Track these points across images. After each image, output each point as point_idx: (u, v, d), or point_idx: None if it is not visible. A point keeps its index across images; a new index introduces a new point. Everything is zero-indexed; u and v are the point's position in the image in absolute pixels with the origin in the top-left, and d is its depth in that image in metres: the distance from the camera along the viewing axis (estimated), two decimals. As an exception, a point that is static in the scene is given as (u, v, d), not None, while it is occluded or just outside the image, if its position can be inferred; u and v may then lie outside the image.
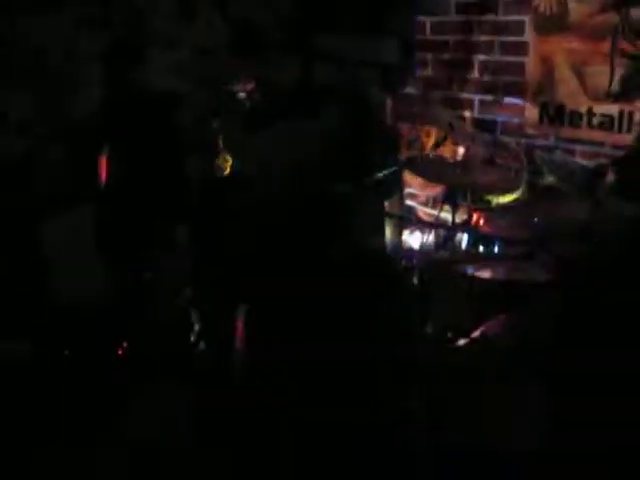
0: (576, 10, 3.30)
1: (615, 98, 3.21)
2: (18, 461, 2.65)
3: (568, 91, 3.38)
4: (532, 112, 3.51)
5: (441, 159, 3.57)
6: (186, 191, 3.51)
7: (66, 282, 3.36)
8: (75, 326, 3.25)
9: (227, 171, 3.46)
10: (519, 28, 3.51)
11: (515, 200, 3.31)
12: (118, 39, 3.51)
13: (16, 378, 2.97)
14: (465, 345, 2.91)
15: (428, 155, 3.64)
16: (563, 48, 3.39)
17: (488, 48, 3.65)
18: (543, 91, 3.47)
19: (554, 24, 3.38)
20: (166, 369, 3.04)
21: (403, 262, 3.38)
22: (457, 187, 3.36)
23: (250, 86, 3.63)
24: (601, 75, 3.24)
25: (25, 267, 3.34)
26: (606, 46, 3.19)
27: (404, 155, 3.85)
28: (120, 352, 3.17)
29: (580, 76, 3.33)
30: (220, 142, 3.47)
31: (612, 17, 3.15)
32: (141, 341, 3.16)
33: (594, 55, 3.26)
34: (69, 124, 3.46)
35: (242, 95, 3.66)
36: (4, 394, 2.89)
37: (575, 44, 3.34)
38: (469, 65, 3.71)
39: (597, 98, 3.28)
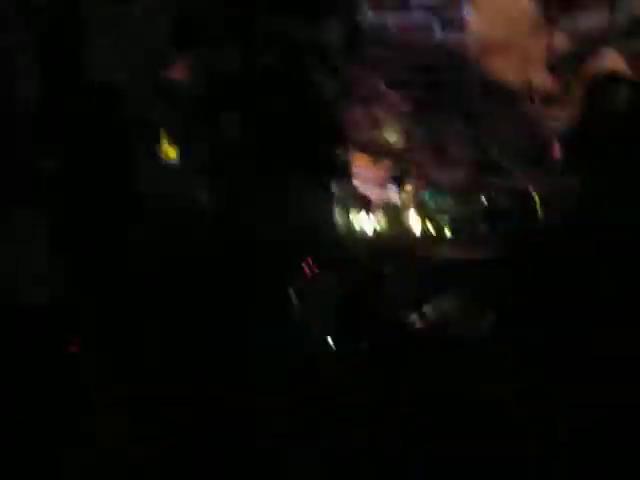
0: None
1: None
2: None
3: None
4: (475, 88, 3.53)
5: (387, 139, 3.60)
6: (130, 183, 3.47)
7: (19, 281, 3.31)
8: (26, 323, 3.20)
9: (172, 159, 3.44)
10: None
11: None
12: (52, 25, 3.42)
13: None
14: (420, 323, 2.97)
15: (374, 135, 3.65)
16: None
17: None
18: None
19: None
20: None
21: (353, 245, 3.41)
22: (402, 166, 3.39)
23: (192, 73, 3.60)
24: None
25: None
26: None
27: (350, 136, 3.85)
28: (73, 348, 3.14)
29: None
30: (162, 131, 3.44)
31: None
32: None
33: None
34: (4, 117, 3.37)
35: (184, 83, 3.63)
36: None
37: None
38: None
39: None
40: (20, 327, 3.12)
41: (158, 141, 3.49)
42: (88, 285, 3.29)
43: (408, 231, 3.26)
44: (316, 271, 3.27)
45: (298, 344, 3.04)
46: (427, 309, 2.99)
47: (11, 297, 3.23)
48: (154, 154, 3.41)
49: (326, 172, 3.73)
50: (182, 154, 3.51)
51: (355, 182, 3.92)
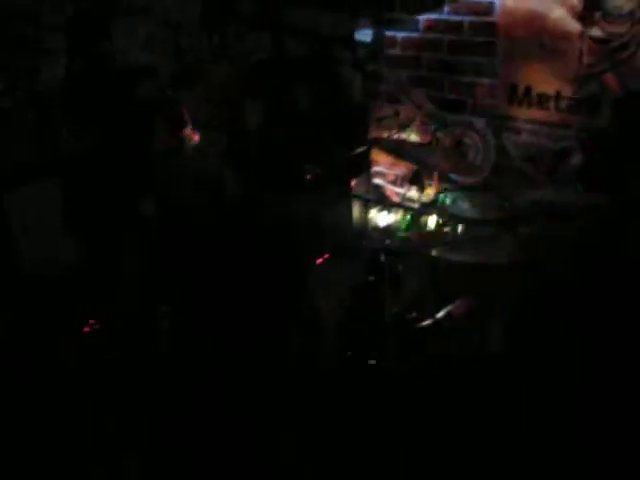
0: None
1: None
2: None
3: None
4: (502, 94, 3.52)
5: (409, 138, 3.60)
6: (151, 163, 3.48)
7: (32, 253, 3.34)
8: (41, 300, 3.23)
9: (194, 142, 3.44)
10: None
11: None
12: (82, 9, 3.44)
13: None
14: (429, 325, 2.96)
15: (396, 134, 3.65)
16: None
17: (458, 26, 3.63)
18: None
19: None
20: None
21: (369, 241, 3.42)
22: (424, 167, 3.38)
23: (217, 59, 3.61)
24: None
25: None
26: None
27: (373, 133, 3.85)
28: (87, 329, 3.17)
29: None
30: (186, 113, 3.43)
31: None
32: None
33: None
34: (34, 94, 3.40)
35: (210, 68, 3.64)
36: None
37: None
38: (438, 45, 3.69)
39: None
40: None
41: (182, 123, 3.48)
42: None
43: (425, 231, 3.26)
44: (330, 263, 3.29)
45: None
46: (440, 314, 2.98)
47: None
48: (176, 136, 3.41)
49: (347, 168, 3.74)
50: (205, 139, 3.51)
51: (376, 180, 3.93)
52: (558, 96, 3.32)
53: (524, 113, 3.44)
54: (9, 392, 2.82)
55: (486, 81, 3.54)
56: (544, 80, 3.35)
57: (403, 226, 3.28)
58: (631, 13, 3.01)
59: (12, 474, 2.57)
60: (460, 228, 3.13)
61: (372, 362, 2.88)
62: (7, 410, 2.76)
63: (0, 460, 2.59)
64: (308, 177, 3.34)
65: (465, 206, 3.23)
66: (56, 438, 2.68)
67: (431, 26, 3.65)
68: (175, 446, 2.67)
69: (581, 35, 3.17)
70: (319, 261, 3.45)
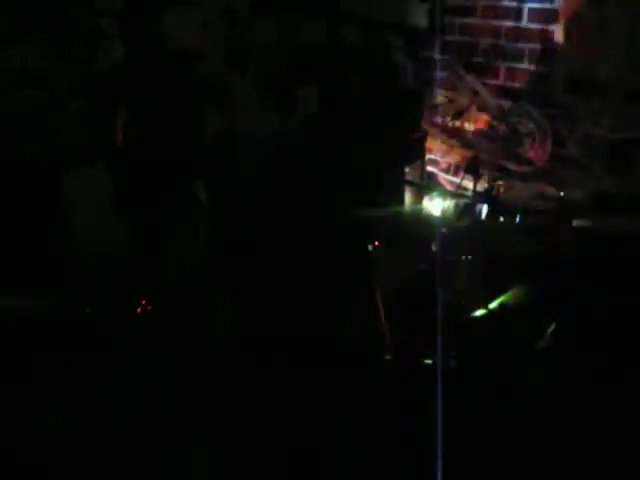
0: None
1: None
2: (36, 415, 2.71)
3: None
4: (558, 81, 3.46)
5: (464, 127, 3.56)
6: (203, 146, 3.51)
7: (85, 236, 3.37)
8: (94, 282, 3.27)
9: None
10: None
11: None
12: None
13: (38, 332, 3.00)
14: (482, 315, 2.93)
15: (451, 122, 3.61)
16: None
17: (516, 12, 3.58)
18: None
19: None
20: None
21: (422, 229, 3.39)
22: (479, 155, 3.34)
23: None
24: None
25: (45, 220, 3.35)
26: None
27: (426, 121, 3.83)
28: (139, 310, 3.20)
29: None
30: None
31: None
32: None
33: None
34: (88, 78, 3.43)
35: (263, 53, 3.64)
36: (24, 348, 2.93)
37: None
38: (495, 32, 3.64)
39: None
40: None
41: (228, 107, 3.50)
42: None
43: (479, 220, 3.22)
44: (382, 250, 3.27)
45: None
46: (493, 304, 2.95)
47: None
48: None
49: (400, 156, 3.72)
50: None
51: (429, 168, 3.92)
52: (617, 85, 3.26)
53: (581, 102, 3.38)
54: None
55: (543, 68, 3.49)
56: (602, 67, 3.29)
57: (456, 215, 3.25)
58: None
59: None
60: (515, 218, 3.09)
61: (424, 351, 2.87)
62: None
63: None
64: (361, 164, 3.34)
65: (520, 196, 3.19)
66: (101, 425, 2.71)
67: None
68: (231, 430, 2.70)
69: None
70: (370, 249, 3.43)
